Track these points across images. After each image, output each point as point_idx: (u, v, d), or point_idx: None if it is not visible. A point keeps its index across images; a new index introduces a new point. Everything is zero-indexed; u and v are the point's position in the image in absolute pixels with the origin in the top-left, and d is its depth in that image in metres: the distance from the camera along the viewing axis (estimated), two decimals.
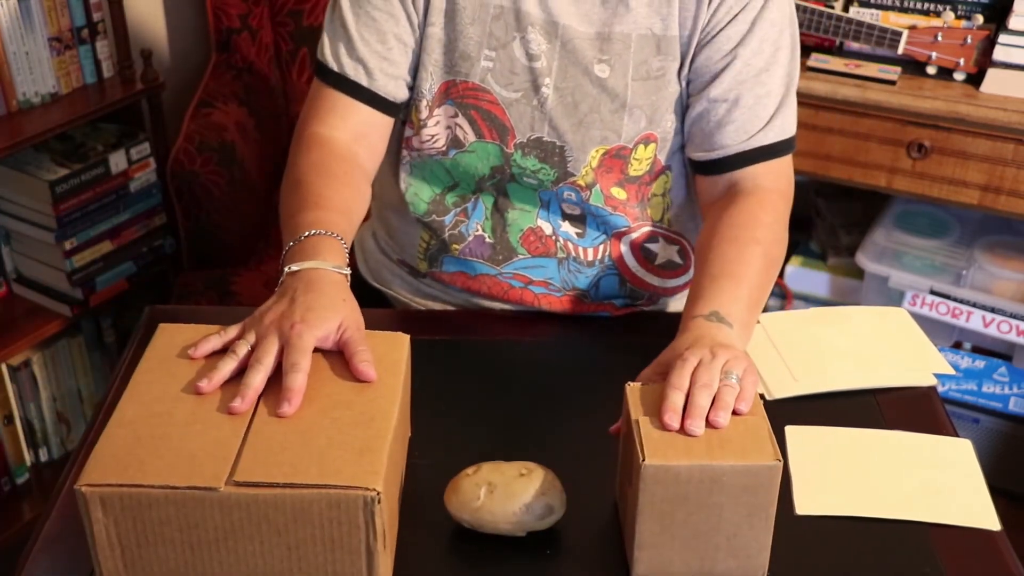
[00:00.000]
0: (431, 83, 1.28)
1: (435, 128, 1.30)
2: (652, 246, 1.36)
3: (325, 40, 1.29)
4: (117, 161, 2.16)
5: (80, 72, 2.13)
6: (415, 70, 1.29)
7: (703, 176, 1.30)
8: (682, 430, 0.97)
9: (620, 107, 1.26)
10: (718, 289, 1.16)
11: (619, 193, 1.32)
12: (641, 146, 1.29)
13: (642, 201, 1.33)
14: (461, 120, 1.29)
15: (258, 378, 0.98)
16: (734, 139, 1.26)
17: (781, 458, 0.94)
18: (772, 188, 1.27)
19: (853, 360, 1.28)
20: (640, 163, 1.30)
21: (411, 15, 1.26)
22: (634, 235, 1.35)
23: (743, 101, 1.25)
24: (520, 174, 1.30)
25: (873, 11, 2.06)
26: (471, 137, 1.29)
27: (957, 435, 1.19)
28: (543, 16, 1.24)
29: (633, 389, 1.02)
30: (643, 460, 0.93)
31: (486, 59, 1.25)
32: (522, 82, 1.26)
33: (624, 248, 1.35)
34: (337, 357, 1.03)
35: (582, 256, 1.35)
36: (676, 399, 0.99)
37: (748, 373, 1.04)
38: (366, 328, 1.07)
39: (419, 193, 1.36)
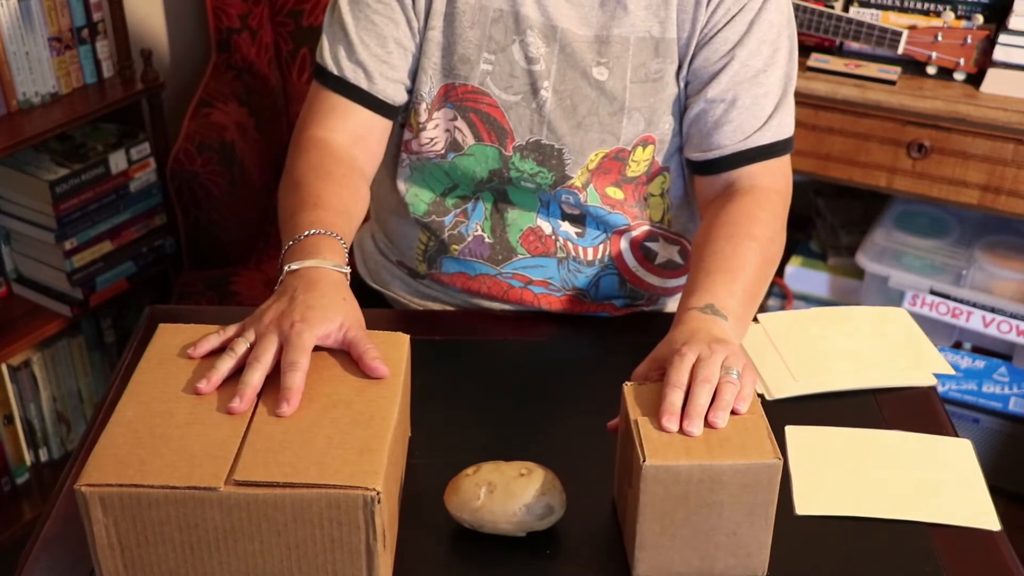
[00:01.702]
0: (430, 86, 1.28)
1: (434, 131, 1.30)
2: (652, 245, 1.36)
3: (324, 43, 1.29)
4: (117, 161, 2.16)
5: (80, 72, 2.13)
6: (414, 73, 1.29)
7: (701, 176, 1.30)
8: (680, 431, 0.97)
9: (619, 110, 1.26)
10: (713, 283, 1.16)
11: (616, 193, 1.32)
12: (639, 148, 1.29)
13: (640, 201, 1.33)
14: (460, 123, 1.29)
15: (256, 376, 0.98)
16: (731, 139, 1.26)
17: (781, 456, 0.94)
18: (769, 187, 1.27)
19: (853, 360, 1.28)
20: (638, 164, 1.30)
21: (411, 19, 1.26)
22: (634, 233, 1.35)
23: (740, 102, 1.25)
24: (518, 178, 1.30)
25: (873, 11, 2.06)
26: (470, 140, 1.29)
27: (957, 435, 1.19)
28: (542, 20, 1.24)
29: (631, 389, 1.02)
30: (643, 460, 0.93)
31: (485, 62, 1.26)
32: (521, 85, 1.26)
33: (624, 247, 1.36)
34: (337, 356, 1.03)
35: (582, 256, 1.35)
36: (675, 398, 0.99)
37: (747, 370, 1.03)
38: (367, 327, 1.07)
39: (419, 195, 1.36)
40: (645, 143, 1.29)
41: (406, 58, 1.28)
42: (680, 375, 1.01)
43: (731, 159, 1.27)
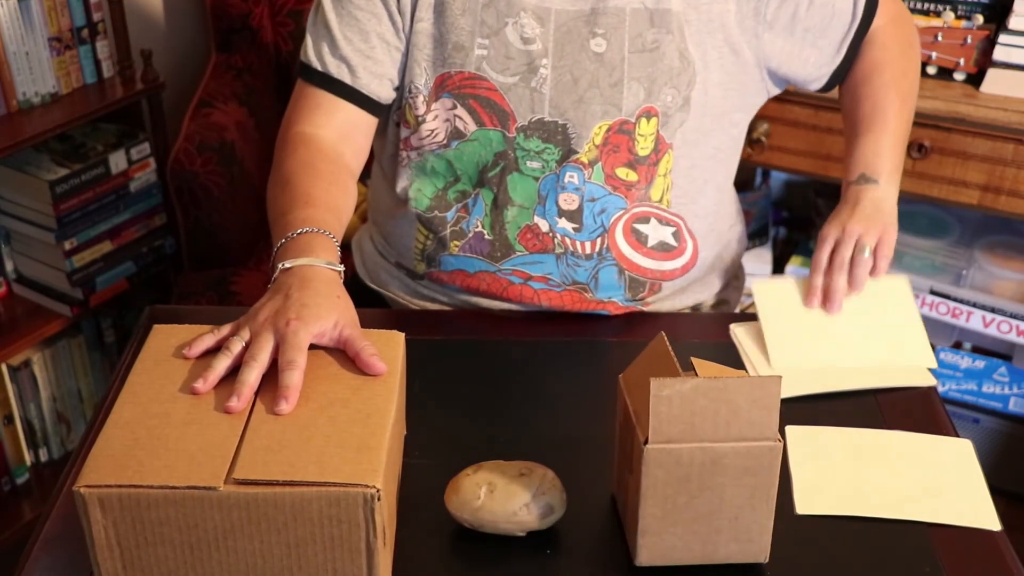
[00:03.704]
0: (425, 78, 1.29)
1: (434, 123, 1.31)
2: (642, 227, 1.36)
3: (308, 42, 1.31)
4: (117, 161, 2.16)
5: (80, 72, 2.13)
6: (406, 68, 1.30)
7: (848, 76, 1.44)
8: (826, 305, 1.30)
9: (618, 80, 1.27)
10: (862, 149, 1.37)
11: (629, 175, 1.32)
12: (643, 120, 1.29)
13: (650, 183, 1.34)
14: (460, 111, 1.29)
15: (253, 375, 0.98)
16: (843, 30, 1.39)
17: (781, 439, 0.95)
18: (883, 24, 1.42)
19: (851, 351, 1.28)
20: (645, 139, 1.30)
21: (394, 14, 1.28)
22: (625, 217, 1.35)
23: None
24: (524, 156, 1.30)
25: None
26: (472, 126, 1.30)
27: (957, 435, 1.19)
28: (535, 2, 1.25)
29: (626, 380, 1.02)
30: (645, 443, 0.93)
31: (480, 47, 1.27)
32: (518, 66, 1.27)
33: (618, 235, 1.35)
34: (332, 354, 1.03)
35: (579, 250, 1.35)
36: (815, 281, 1.31)
37: (881, 245, 1.31)
38: (364, 327, 1.07)
39: (422, 190, 1.36)
40: (648, 115, 1.29)
41: (390, 54, 1.29)
42: (819, 259, 1.31)
43: (854, 43, 1.40)
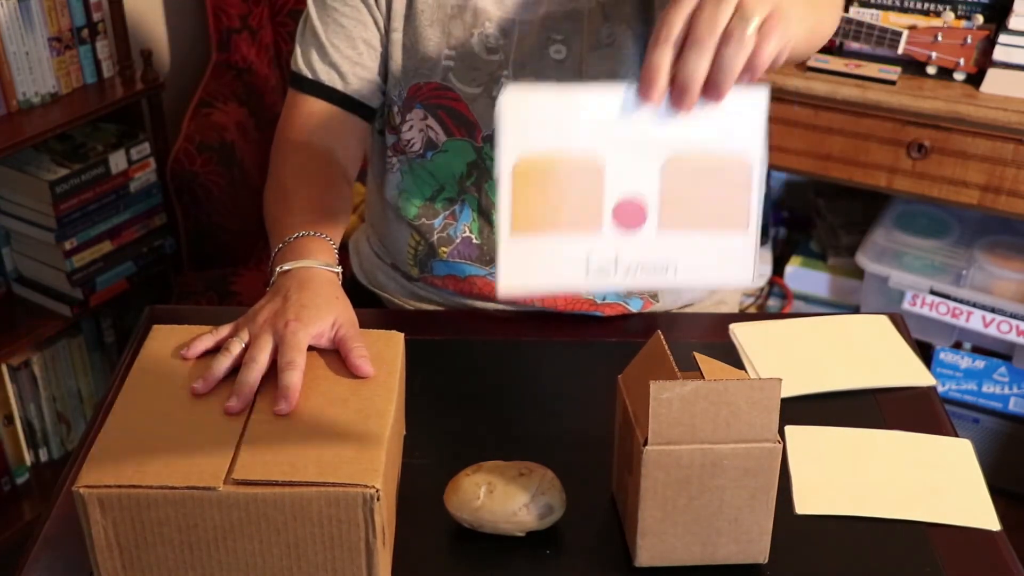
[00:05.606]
0: (400, 89, 1.30)
1: (410, 132, 1.32)
2: None
3: (298, 51, 1.32)
4: (117, 161, 2.16)
5: (80, 72, 2.13)
6: (385, 76, 1.31)
7: None
8: (676, 101, 0.76)
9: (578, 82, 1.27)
10: None
11: None
12: None
13: None
14: (431, 121, 1.30)
15: (253, 376, 0.98)
16: None
17: (781, 440, 0.95)
18: None
19: (849, 363, 1.28)
20: None
21: (377, 20, 1.29)
22: None
23: None
24: (493, 167, 1.31)
25: (873, 11, 2.06)
26: (442, 137, 1.31)
27: (957, 435, 1.19)
28: (499, 13, 1.26)
29: (626, 380, 1.02)
30: (644, 445, 0.93)
31: (447, 59, 1.27)
32: (482, 76, 1.28)
33: None
34: (332, 355, 1.03)
35: None
36: (658, 59, 0.76)
37: (773, 21, 0.76)
38: (362, 327, 1.07)
39: (411, 198, 1.37)
40: None
41: (376, 59, 1.31)
42: (671, 26, 0.77)
43: None
